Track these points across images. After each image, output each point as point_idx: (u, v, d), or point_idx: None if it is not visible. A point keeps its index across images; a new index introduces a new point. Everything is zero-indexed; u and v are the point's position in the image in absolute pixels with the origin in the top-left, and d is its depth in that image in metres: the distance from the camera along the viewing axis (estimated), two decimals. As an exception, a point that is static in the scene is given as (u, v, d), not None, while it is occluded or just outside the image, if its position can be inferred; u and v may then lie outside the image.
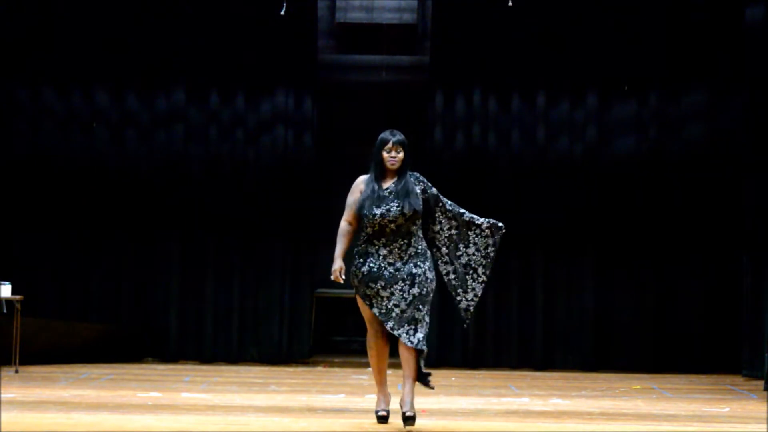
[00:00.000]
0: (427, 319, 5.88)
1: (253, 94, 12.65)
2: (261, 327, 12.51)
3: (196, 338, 12.51)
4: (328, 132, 13.54)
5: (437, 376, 6.08)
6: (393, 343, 5.98)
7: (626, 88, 12.48)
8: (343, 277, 5.91)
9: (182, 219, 12.54)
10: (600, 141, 12.53)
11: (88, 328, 12.01)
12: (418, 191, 5.99)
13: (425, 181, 6.06)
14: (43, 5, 12.46)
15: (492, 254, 6.11)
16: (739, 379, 10.82)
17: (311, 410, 7.05)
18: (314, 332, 13.19)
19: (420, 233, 5.98)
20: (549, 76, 12.52)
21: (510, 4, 11.13)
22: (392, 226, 5.89)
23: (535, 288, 12.47)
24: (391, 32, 13.30)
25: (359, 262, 5.93)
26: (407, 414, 5.82)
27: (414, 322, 5.84)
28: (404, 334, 5.82)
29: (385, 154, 5.99)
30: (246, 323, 12.54)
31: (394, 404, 6.12)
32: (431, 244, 6.06)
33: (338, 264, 5.93)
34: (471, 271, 6.09)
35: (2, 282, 10.02)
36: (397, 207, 5.89)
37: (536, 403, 7.93)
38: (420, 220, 5.97)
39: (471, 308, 6.09)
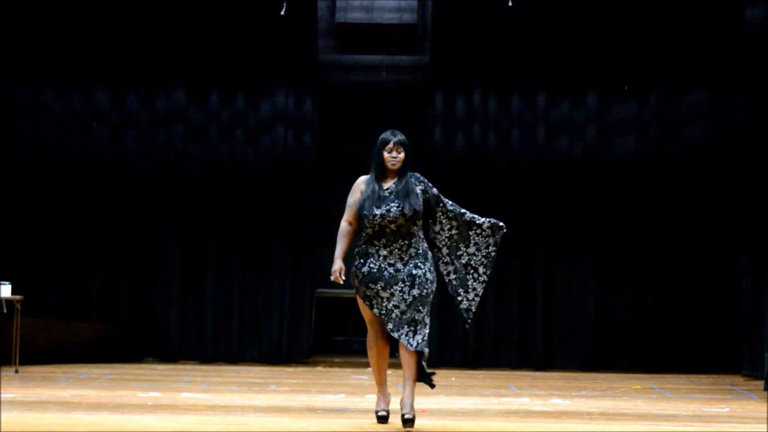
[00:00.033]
0: (427, 320, 5.88)
1: (253, 94, 12.65)
2: (261, 327, 12.51)
3: (196, 338, 12.51)
4: (328, 132, 13.54)
5: (437, 376, 6.07)
6: (393, 343, 5.97)
7: (626, 88, 12.48)
8: (343, 277, 5.90)
9: (182, 219, 12.54)
10: (600, 141, 12.53)
11: (88, 328, 12.01)
12: (419, 191, 5.98)
13: (426, 181, 6.06)
14: (43, 5, 12.46)
15: (493, 254, 6.10)
16: (739, 379, 10.82)
17: (311, 410, 7.05)
18: (314, 332, 13.19)
19: (421, 234, 5.98)
20: (549, 76, 12.52)
21: (510, 4, 11.13)
22: (392, 226, 5.89)
23: (535, 288, 12.47)
24: (391, 32, 13.30)
25: (359, 262, 5.92)
26: (406, 417, 5.82)
27: (413, 323, 5.83)
28: (404, 336, 5.82)
29: (386, 154, 5.98)
30: (246, 323, 12.54)
31: (394, 404, 6.12)
32: (432, 244, 6.05)
33: (338, 265, 5.93)
34: (472, 271, 6.08)
35: (2, 282, 10.03)
36: (398, 207, 5.88)
37: (536, 403, 7.93)
38: (421, 221, 5.97)
39: (473, 308, 6.09)
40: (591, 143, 12.52)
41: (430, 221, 6.06)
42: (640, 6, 12.36)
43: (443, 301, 10.27)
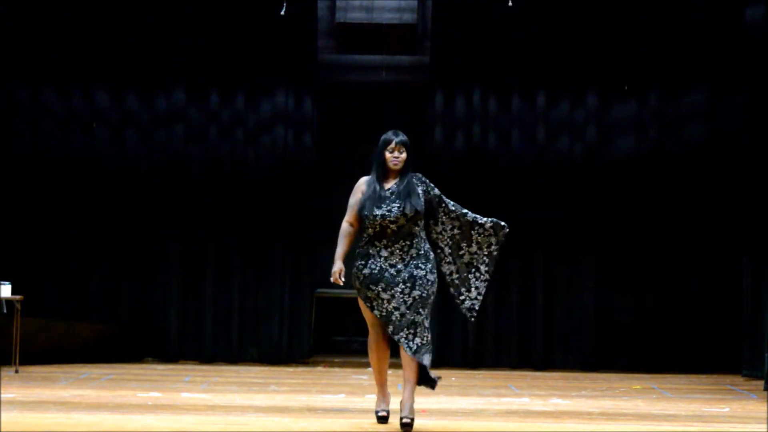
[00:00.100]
0: (426, 323, 5.86)
1: (253, 94, 12.64)
2: (261, 327, 12.51)
3: (196, 338, 12.51)
4: (328, 132, 13.54)
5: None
6: (394, 344, 5.97)
7: (626, 88, 12.47)
8: (343, 279, 5.90)
9: (182, 219, 12.54)
10: (600, 141, 12.53)
11: (88, 328, 12.01)
12: (420, 192, 5.98)
13: (427, 182, 6.05)
14: (43, 5, 12.46)
15: (494, 252, 6.10)
16: (739, 379, 10.82)
17: (311, 410, 7.05)
18: (314, 332, 13.19)
19: (422, 234, 5.97)
20: (549, 76, 12.52)
21: (510, 4, 11.13)
22: (393, 227, 5.88)
23: (535, 288, 12.46)
24: (391, 32, 13.30)
25: (360, 264, 5.92)
26: (404, 420, 5.82)
27: (413, 326, 5.82)
28: (403, 339, 5.81)
29: (387, 155, 5.98)
30: (246, 323, 12.53)
31: (395, 404, 6.12)
32: (434, 245, 6.04)
33: (338, 266, 5.92)
34: (473, 270, 6.08)
35: (2, 282, 10.03)
36: (399, 208, 5.88)
37: (536, 403, 7.93)
38: (422, 221, 5.96)
39: (476, 307, 6.08)
40: (591, 143, 12.52)
41: (432, 222, 6.05)
42: (640, 6, 12.36)
43: (443, 301, 10.25)
